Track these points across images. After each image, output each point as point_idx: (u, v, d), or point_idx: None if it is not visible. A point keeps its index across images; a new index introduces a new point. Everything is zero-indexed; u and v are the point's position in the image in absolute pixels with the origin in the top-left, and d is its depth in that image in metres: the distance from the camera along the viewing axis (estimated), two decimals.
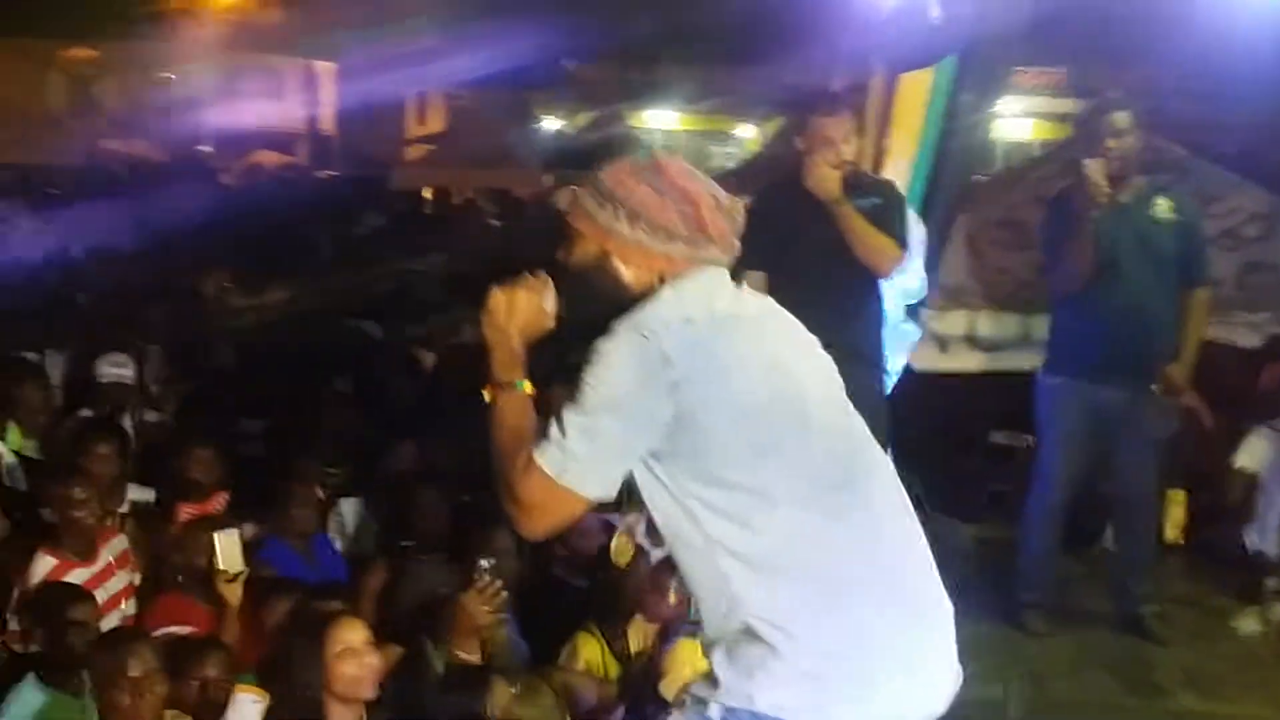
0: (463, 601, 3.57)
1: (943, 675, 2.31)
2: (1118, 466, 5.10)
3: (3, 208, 12.44)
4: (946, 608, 2.35)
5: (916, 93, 5.20)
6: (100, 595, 4.10)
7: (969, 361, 6.33)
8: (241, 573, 4.02)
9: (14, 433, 5.47)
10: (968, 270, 6.34)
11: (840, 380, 2.44)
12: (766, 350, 2.28)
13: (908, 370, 5.71)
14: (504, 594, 3.67)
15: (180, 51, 31.53)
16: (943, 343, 6.27)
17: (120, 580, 4.27)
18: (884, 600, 2.23)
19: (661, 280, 2.31)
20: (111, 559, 4.29)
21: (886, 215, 4.53)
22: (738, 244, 2.39)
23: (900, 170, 5.21)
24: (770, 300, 2.47)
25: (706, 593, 2.26)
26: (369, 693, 3.41)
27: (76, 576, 4.12)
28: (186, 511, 4.59)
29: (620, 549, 4.12)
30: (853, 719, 2.20)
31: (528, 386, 2.37)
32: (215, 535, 4.04)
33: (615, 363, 2.19)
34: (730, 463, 2.19)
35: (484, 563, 3.71)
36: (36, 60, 29.19)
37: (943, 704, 2.30)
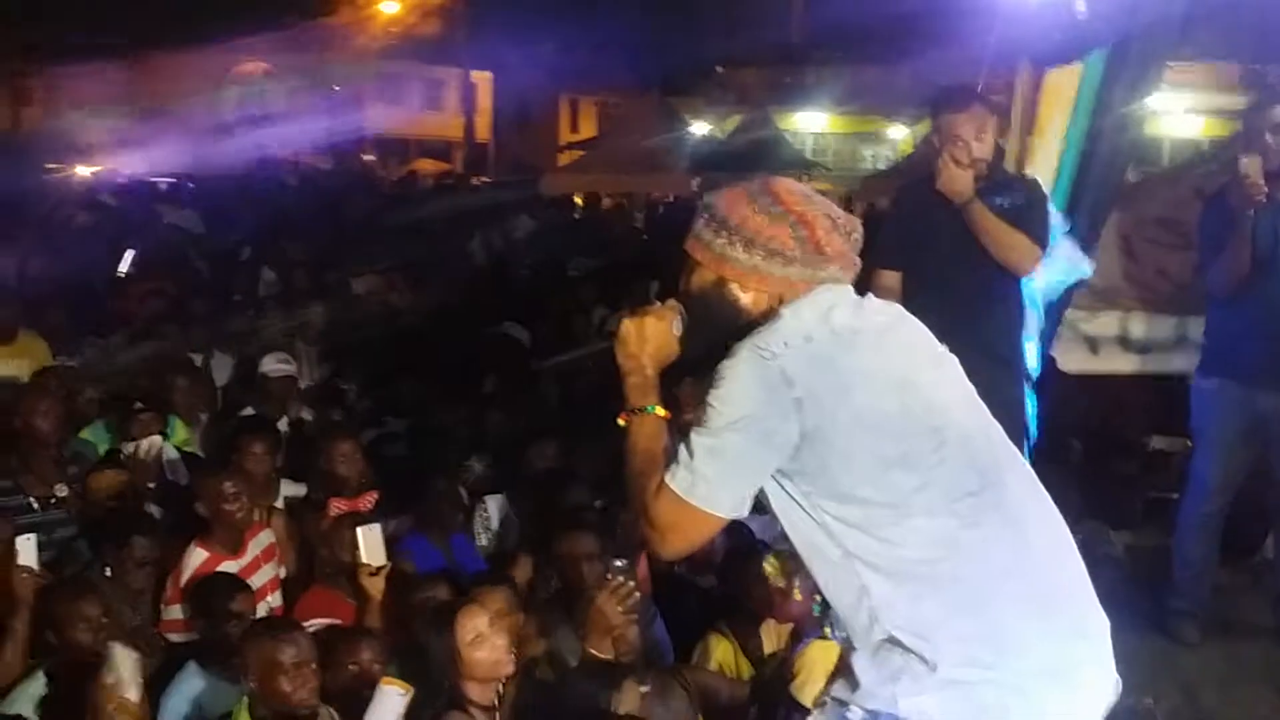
0: (597, 601, 3.63)
1: (1098, 686, 2.27)
2: (1277, 472, 4.89)
3: (173, 214, 13.04)
4: (1101, 617, 2.30)
5: (1063, 89, 5.05)
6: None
7: (1121, 364, 6.14)
8: (384, 566, 4.14)
9: (179, 427, 5.73)
10: (1121, 271, 6.15)
11: (970, 385, 2.40)
12: (891, 362, 2.27)
13: (1059, 373, 5.56)
14: (637, 594, 3.71)
15: (345, 63, 32.56)
16: (1094, 344, 6.09)
17: (266, 573, 4.45)
18: (1032, 607, 2.20)
19: (780, 303, 2.32)
20: (259, 552, 4.47)
21: (1025, 213, 4.43)
22: (858, 261, 2.38)
23: (1046, 168, 5.07)
24: (897, 308, 2.45)
25: (847, 606, 2.26)
26: (507, 669, 3.48)
27: (226, 569, 4.30)
28: (337, 506, 4.74)
29: (773, 573, 4.10)
30: None
31: (660, 411, 2.39)
32: (358, 530, 4.16)
33: (737, 383, 2.21)
34: (860, 477, 2.19)
35: (618, 563, 3.74)
36: (211, 73, 30.51)
37: (1099, 715, 2.26)
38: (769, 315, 2.30)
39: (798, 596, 4.01)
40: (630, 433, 2.38)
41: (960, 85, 4.78)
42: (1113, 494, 6.30)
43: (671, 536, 2.30)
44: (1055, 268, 4.94)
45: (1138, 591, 4.98)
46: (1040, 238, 4.44)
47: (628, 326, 2.42)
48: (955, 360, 2.42)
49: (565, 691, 3.60)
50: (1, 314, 6.25)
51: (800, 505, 2.26)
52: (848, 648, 2.29)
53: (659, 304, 2.45)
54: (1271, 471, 4.93)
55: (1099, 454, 6.61)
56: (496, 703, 3.54)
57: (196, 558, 4.31)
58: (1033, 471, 2.40)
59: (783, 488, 2.26)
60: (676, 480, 2.24)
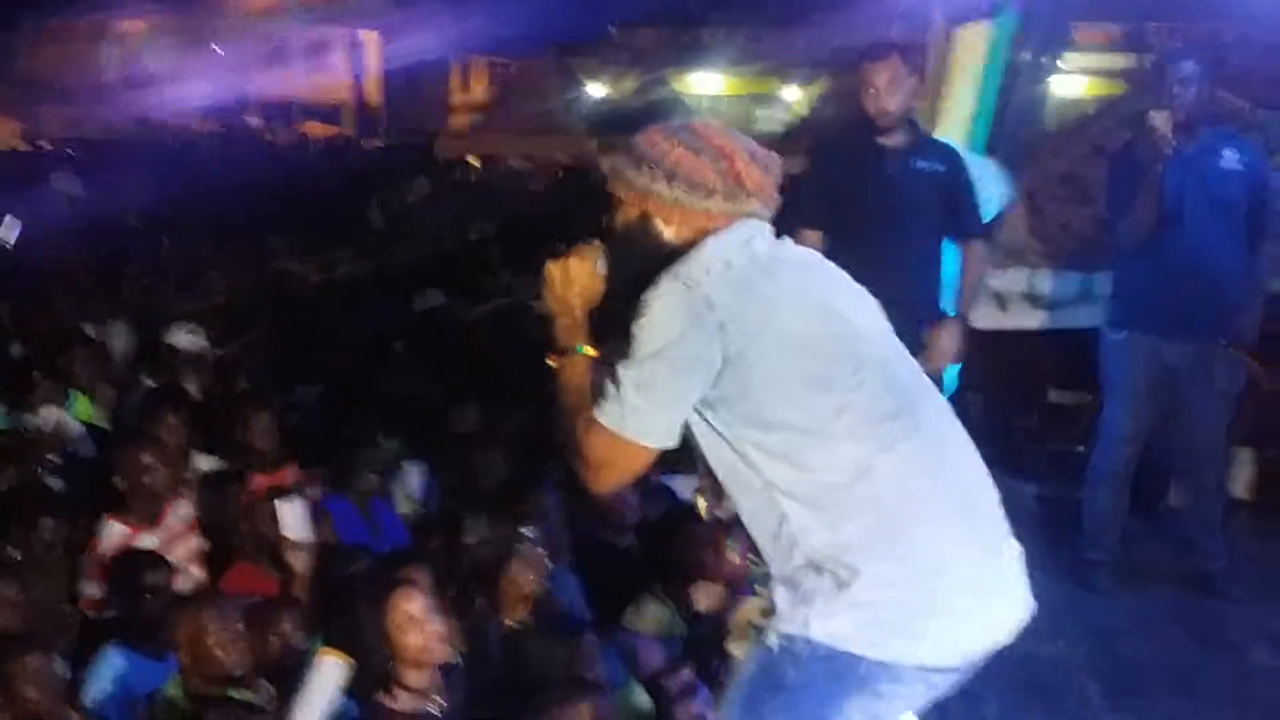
0: (510, 571, 3.59)
1: (1012, 605, 2.33)
2: (1186, 421, 5.04)
3: (59, 180, 12.59)
4: (1013, 541, 2.37)
5: (974, 47, 5.12)
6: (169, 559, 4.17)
7: (1029, 319, 6.26)
8: (307, 540, 4.06)
9: (81, 402, 5.54)
10: (1027, 227, 6.26)
11: (886, 323, 2.46)
12: (812, 288, 2.34)
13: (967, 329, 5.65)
14: (548, 562, 3.69)
15: (228, 22, 31.70)
16: (1003, 301, 6.20)
17: (189, 544, 4.32)
18: (948, 528, 2.25)
19: (703, 236, 2.35)
20: (178, 524, 4.34)
21: (954, 187, 4.50)
22: (777, 196, 2.43)
23: (959, 127, 5.14)
24: (815, 253, 2.50)
25: (768, 535, 2.30)
26: (439, 658, 3.42)
27: (145, 542, 4.17)
28: (258, 483, 4.63)
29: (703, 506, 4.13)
30: (909, 649, 2.22)
31: (589, 350, 2.43)
32: (278, 504, 4.08)
33: (660, 312, 2.24)
34: (781, 401, 2.23)
35: (526, 531, 3.73)
36: (89, 34, 29.49)
37: (1008, 635, 2.32)
38: (692, 248, 2.33)
39: (733, 557, 4.03)
40: (561, 373, 2.42)
41: (885, 39, 4.81)
42: (1016, 447, 6.44)
43: (605, 471, 2.34)
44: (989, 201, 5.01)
45: (1048, 542, 5.07)
46: (974, 213, 4.51)
47: (552, 270, 2.44)
48: (874, 299, 2.48)
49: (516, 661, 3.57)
50: None
51: (723, 436, 2.29)
52: (771, 584, 2.32)
53: (581, 245, 2.47)
54: (1178, 421, 5.08)
55: (999, 409, 6.74)
56: (431, 684, 3.46)
57: (114, 532, 4.17)
58: (945, 400, 2.45)
59: (705, 419, 2.30)
60: (606, 414, 2.28)
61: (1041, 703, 4.17)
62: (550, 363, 2.43)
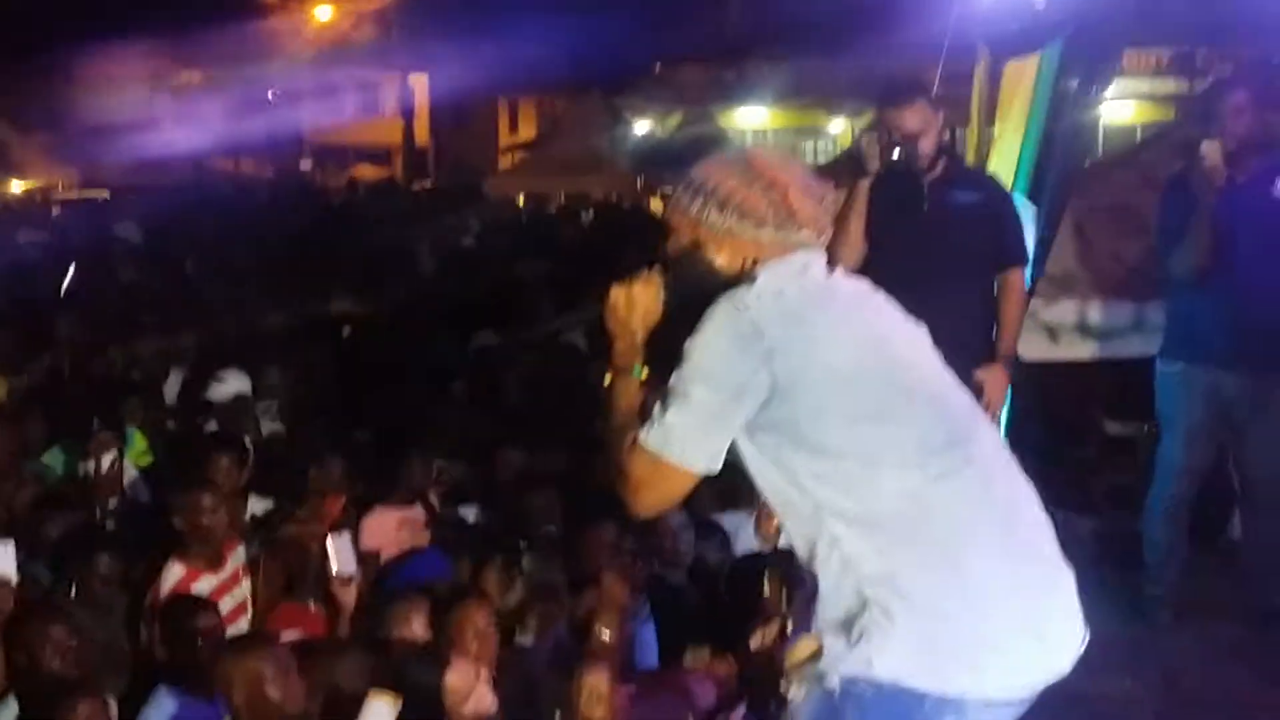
0: (605, 581, 3.60)
1: (1067, 635, 2.31)
2: (1246, 454, 4.95)
3: (120, 228, 12.83)
4: (1067, 571, 2.35)
5: (1022, 79, 5.10)
6: (228, 602, 4.24)
7: (1081, 350, 6.21)
8: (354, 576, 4.09)
9: (138, 439, 5.64)
10: (1077, 257, 6.22)
11: (936, 357, 2.45)
12: (863, 320, 2.35)
13: (1017, 362, 5.61)
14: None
15: (281, 69, 32.21)
16: (1053, 332, 6.15)
17: (246, 587, 4.37)
18: (1000, 561, 2.24)
19: (754, 265, 2.37)
20: (237, 567, 4.39)
21: (992, 216, 4.46)
22: (830, 227, 2.44)
23: (1008, 159, 5.11)
24: (866, 284, 2.49)
25: (819, 562, 2.29)
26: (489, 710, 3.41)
27: (205, 584, 4.25)
28: (308, 520, 4.68)
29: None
30: (974, 683, 2.20)
31: (644, 373, 2.45)
32: (329, 539, 4.12)
33: (710, 336, 2.27)
34: (830, 430, 2.23)
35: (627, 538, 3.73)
36: (144, 81, 30.07)
37: (1068, 664, 2.29)
38: (744, 276, 2.36)
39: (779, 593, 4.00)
40: (613, 391, 2.44)
41: (906, 78, 4.79)
42: (1072, 481, 6.36)
43: (645, 493, 2.34)
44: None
45: (1107, 576, 4.99)
46: (1015, 244, 4.47)
47: (616, 294, 2.46)
48: (925, 332, 2.47)
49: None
50: None
51: (771, 459, 2.30)
52: (823, 622, 2.30)
53: (645, 271, 2.50)
54: (1238, 453, 5.00)
55: (1053, 441, 6.66)
56: None
57: (174, 573, 4.24)
58: (996, 430, 2.48)
59: (754, 443, 2.30)
60: (650, 437, 2.29)
61: None
62: (606, 380, 2.46)
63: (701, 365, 2.25)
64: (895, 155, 4.29)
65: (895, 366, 2.31)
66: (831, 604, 2.27)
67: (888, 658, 2.19)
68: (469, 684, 3.33)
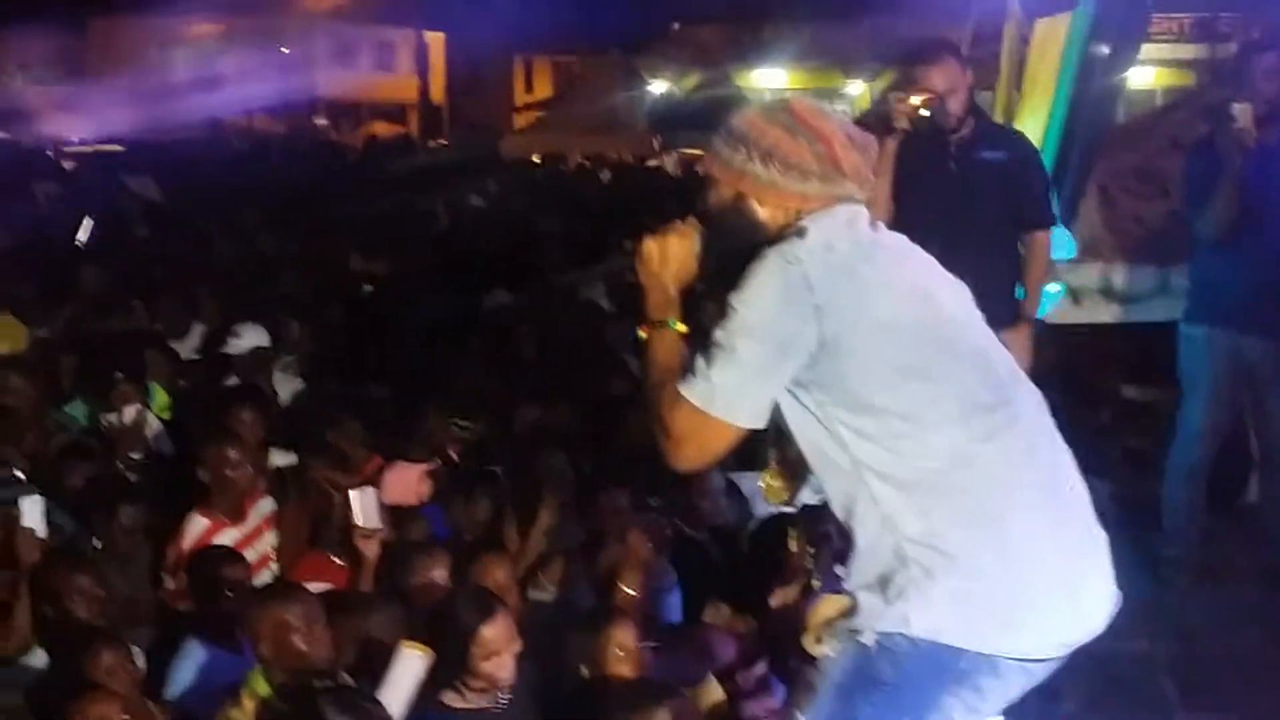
0: (630, 539, 3.61)
1: (1101, 597, 2.32)
2: (1264, 418, 4.94)
3: (135, 183, 12.83)
4: (1101, 532, 2.37)
5: (1052, 39, 5.05)
6: (250, 555, 4.25)
7: (1104, 314, 6.19)
8: (378, 530, 4.12)
9: (160, 394, 5.66)
10: (1101, 221, 6.20)
11: (979, 313, 2.44)
12: (910, 275, 2.32)
13: (1040, 324, 5.59)
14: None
15: (295, 24, 32.10)
16: (1076, 295, 6.14)
17: (268, 540, 4.40)
18: (1041, 521, 2.24)
19: (798, 218, 2.33)
20: (260, 520, 4.42)
21: (1019, 172, 4.43)
22: (872, 179, 2.40)
23: (1037, 120, 5.08)
24: (907, 239, 2.47)
25: (857, 519, 2.27)
26: (510, 672, 3.41)
27: (228, 536, 4.26)
28: (330, 473, 4.70)
29: (771, 489, 4.11)
30: (1010, 641, 2.22)
31: (680, 326, 2.40)
32: (352, 493, 4.15)
33: (759, 288, 2.22)
34: (877, 386, 2.21)
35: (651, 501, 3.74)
36: (159, 37, 29.99)
37: (1101, 624, 2.31)
38: (787, 230, 2.31)
39: (799, 551, 4.01)
40: (650, 346, 2.40)
41: (934, 38, 4.75)
42: (1089, 444, 6.34)
43: (687, 447, 2.30)
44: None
45: (1124, 539, 4.98)
46: (1042, 206, 4.44)
47: (650, 246, 2.42)
48: (967, 290, 2.46)
49: None
50: None
51: (814, 414, 2.27)
52: (858, 579, 2.29)
53: (679, 222, 2.46)
54: (1257, 417, 4.99)
55: (1072, 405, 6.64)
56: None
57: (197, 525, 4.27)
58: (1039, 395, 2.42)
59: (796, 397, 2.28)
60: (694, 391, 2.24)
61: (1119, 700, 4.12)
62: (641, 334, 2.42)
63: (748, 319, 2.21)
64: (923, 114, 4.25)
65: (942, 321, 2.29)
66: (869, 561, 2.26)
67: (925, 615, 2.19)
68: (505, 639, 3.34)
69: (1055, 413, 5.33)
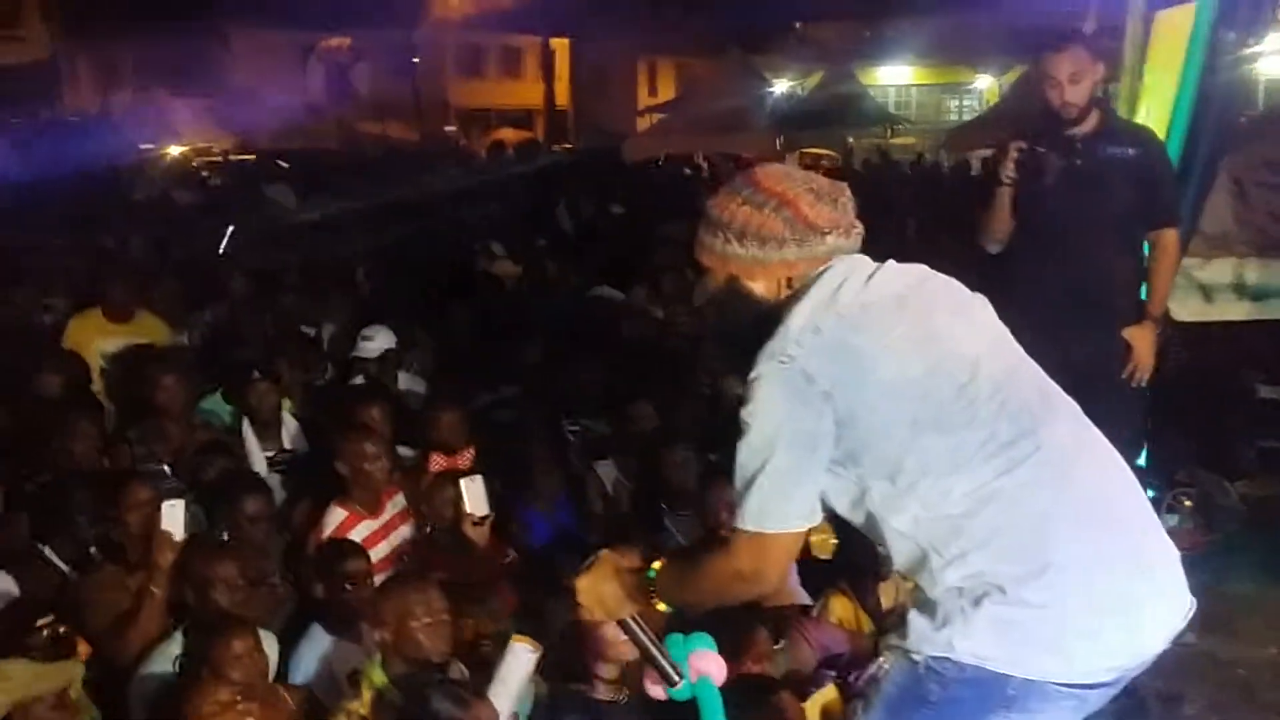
0: None
1: (1162, 616, 2.26)
2: None
3: (274, 191, 13.24)
4: (1166, 548, 2.30)
5: (1176, 29, 4.94)
6: (384, 547, 4.40)
7: (1236, 311, 6.02)
8: (488, 516, 4.22)
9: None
10: (1233, 215, 6.03)
11: (1001, 328, 2.40)
12: (909, 325, 2.28)
13: (1170, 322, 5.47)
14: None
15: (425, 35, 32.71)
16: (1208, 292, 5.98)
17: (403, 534, 4.53)
18: (1083, 546, 2.20)
19: (790, 284, 2.35)
20: (395, 513, 4.55)
21: (1146, 170, 4.35)
22: (858, 224, 2.38)
23: (1160, 112, 4.97)
24: (918, 268, 2.43)
25: (904, 566, 2.29)
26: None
27: (365, 528, 4.40)
28: (437, 463, 4.83)
29: (820, 545, 4.11)
30: (1058, 667, 2.19)
31: (656, 565, 2.47)
32: (461, 481, 4.27)
33: (764, 399, 2.23)
34: (897, 448, 2.21)
35: None
36: (296, 50, 30.87)
37: (1161, 645, 2.26)
38: (783, 298, 2.33)
39: None
40: (665, 594, 2.45)
41: (1065, 27, 4.67)
42: (1224, 445, 6.19)
43: (765, 573, 2.31)
44: None
45: (1257, 542, 4.89)
46: (1170, 203, 4.36)
47: (581, 593, 2.51)
48: (984, 301, 2.43)
49: None
50: (121, 293, 6.35)
51: (853, 490, 2.28)
52: (917, 601, 2.30)
53: (593, 558, 2.54)
54: None
55: (1205, 404, 6.49)
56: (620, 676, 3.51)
57: (336, 517, 4.41)
58: (1077, 407, 2.38)
59: (836, 477, 2.29)
60: (746, 521, 2.26)
61: (1247, 707, 4.02)
62: (660, 607, 2.47)
63: (766, 431, 2.22)
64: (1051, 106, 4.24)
65: (950, 366, 2.26)
66: (924, 587, 2.27)
67: (971, 641, 2.18)
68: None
69: (1187, 414, 5.20)
